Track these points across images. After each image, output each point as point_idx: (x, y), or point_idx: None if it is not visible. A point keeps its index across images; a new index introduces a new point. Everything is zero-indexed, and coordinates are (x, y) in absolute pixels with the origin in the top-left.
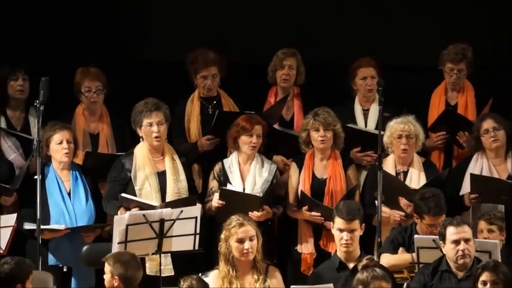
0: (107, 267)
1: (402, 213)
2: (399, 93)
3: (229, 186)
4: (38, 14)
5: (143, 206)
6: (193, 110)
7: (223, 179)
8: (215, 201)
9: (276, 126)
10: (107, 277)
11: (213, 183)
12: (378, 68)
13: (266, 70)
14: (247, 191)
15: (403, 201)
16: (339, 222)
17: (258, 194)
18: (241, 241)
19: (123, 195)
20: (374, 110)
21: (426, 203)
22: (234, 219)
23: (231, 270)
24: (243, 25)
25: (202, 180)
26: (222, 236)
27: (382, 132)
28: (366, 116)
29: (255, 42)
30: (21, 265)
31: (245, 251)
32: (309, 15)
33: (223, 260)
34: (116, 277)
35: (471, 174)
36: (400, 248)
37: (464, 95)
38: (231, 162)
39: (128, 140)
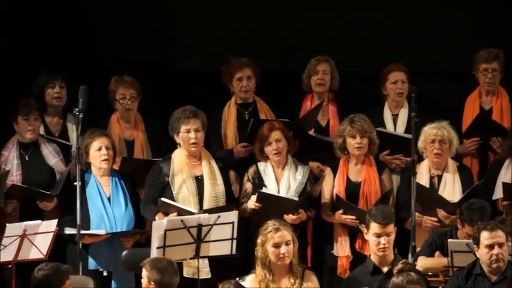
0: (144, 272)
1: (434, 219)
2: (429, 100)
3: (265, 190)
4: (75, 23)
5: (182, 212)
6: (229, 116)
7: (258, 181)
8: (251, 203)
9: (311, 132)
10: (144, 282)
11: (248, 186)
12: (408, 74)
13: (300, 78)
14: (282, 194)
15: (441, 213)
16: (375, 227)
17: (295, 198)
18: (277, 246)
19: (163, 199)
20: (403, 115)
21: (470, 214)
22: (270, 224)
23: (267, 274)
24: (276, 34)
25: (239, 186)
26: (259, 240)
27: (409, 136)
28: (395, 121)
29: (289, 51)
30: (56, 271)
31: (281, 256)
32: (340, 23)
33: (259, 264)
34: (152, 283)
35: (503, 183)
36: (437, 252)
37: (499, 100)
38: (266, 166)
39: (163, 146)
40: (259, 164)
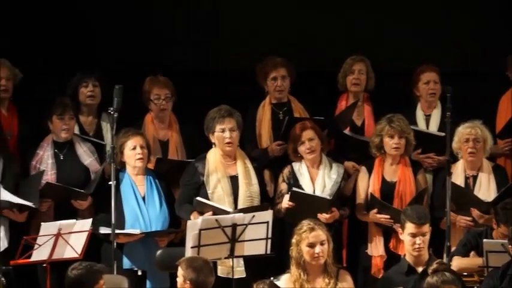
0: (180, 271)
1: (468, 218)
2: (462, 101)
3: (298, 188)
4: (110, 23)
5: (217, 211)
6: (264, 116)
7: (293, 181)
8: (285, 202)
9: (347, 132)
10: (179, 280)
11: (283, 186)
12: (441, 75)
13: (335, 78)
14: (317, 193)
15: (475, 213)
16: (410, 227)
17: (328, 197)
18: (312, 245)
19: (199, 199)
20: (436, 115)
21: (505, 213)
22: (305, 223)
23: (302, 274)
24: (311, 34)
25: (274, 185)
26: (293, 240)
27: (442, 134)
28: (428, 122)
29: (324, 51)
30: (89, 271)
31: (316, 255)
32: (375, 24)
33: (294, 263)
34: (188, 282)
35: None
36: (472, 252)
37: None
38: (300, 165)
39: (197, 147)
40: (293, 164)
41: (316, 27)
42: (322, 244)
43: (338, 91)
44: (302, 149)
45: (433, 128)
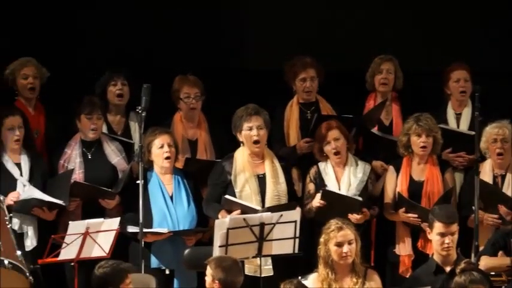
0: (209, 270)
1: (495, 216)
2: (493, 100)
3: (330, 188)
4: (139, 22)
5: (246, 209)
6: (292, 115)
7: (319, 181)
8: (316, 201)
9: (375, 131)
10: (208, 279)
11: (310, 186)
12: (471, 73)
13: (363, 77)
14: (342, 192)
15: (502, 209)
16: (439, 227)
17: (359, 198)
18: (340, 245)
19: (227, 197)
20: (466, 114)
21: None
22: (333, 223)
23: (330, 273)
24: (338, 33)
25: (302, 184)
26: (321, 239)
27: (472, 132)
28: (459, 120)
29: (352, 50)
30: (115, 269)
31: (344, 255)
32: (403, 23)
33: (322, 263)
34: (217, 281)
35: None
36: (500, 251)
37: None
38: (326, 165)
39: (226, 146)
40: (319, 164)
41: (344, 26)
42: (350, 243)
43: (366, 91)
44: (328, 148)
45: (464, 126)
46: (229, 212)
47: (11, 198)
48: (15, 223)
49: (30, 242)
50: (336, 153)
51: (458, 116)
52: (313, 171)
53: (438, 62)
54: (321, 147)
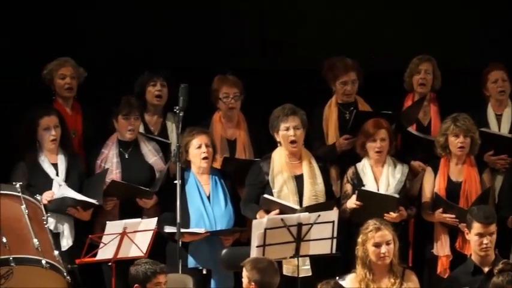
0: (245, 272)
1: None
2: None
3: (368, 188)
4: (177, 23)
5: (284, 209)
6: (331, 115)
7: (357, 181)
8: (352, 202)
9: (413, 131)
10: (244, 281)
11: (347, 187)
12: (508, 73)
13: (402, 77)
14: (381, 192)
15: None
16: (477, 227)
17: (395, 195)
18: (378, 245)
19: (266, 196)
20: (507, 114)
21: None
22: (371, 223)
23: (367, 273)
24: (377, 33)
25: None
26: (359, 239)
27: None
28: (499, 121)
29: (391, 50)
30: (146, 268)
31: (382, 255)
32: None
33: (360, 263)
34: (253, 283)
35: None
36: None
37: None
38: (364, 165)
39: (264, 146)
40: (357, 164)
41: (382, 26)
42: (388, 244)
43: (404, 91)
44: (372, 145)
45: (505, 127)
46: (268, 212)
47: (45, 197)
48: (51, 223)
49: (66, 242)
50: (378, 152)
51: (499, 117)
52: (350, 171)
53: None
54: (364, 143)
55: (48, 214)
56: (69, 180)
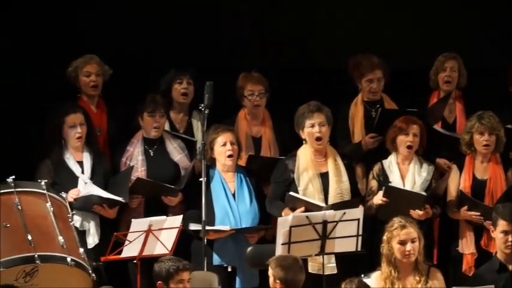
0: (270, 271)
1: None
2: None
3: (391, 183)
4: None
5: (310, 206)
6: (357, 113)
7: (383, 178)
8: (378, 198)
9: (438, 128)
10: (270, 279)
11: (373, 183)
12: None
13: (427, 75)
14: (408, 189)
15: None
16: (503, 225)
17: (422, 192)
18: (403, 243)
19: (291, 194)
20: None
21: None
22: (397, 221)
23: (393, 271)
24: (402, 31)
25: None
26: (384, 237)
27: None
28: None
29: (415, 48)
30: (169, 265)
31: (407, 253)
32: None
33: (385, 261)
34: (278, 281)
35: None
36: None
37: None
38: (390, 162)
39: (289, 143)
40: (384, 161)
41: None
42: (413, 242)
43: (430, 88)
44: (403, 139)
45: None
46: (293, 209)
47: (71, 195)
48: (77, 220)
49: (92, 240)
50: (409, 147)
51: None
52: (376, 168)
53: (501, 60)
54: (395, 137)
55: (74, 212)
56: (94, 178)
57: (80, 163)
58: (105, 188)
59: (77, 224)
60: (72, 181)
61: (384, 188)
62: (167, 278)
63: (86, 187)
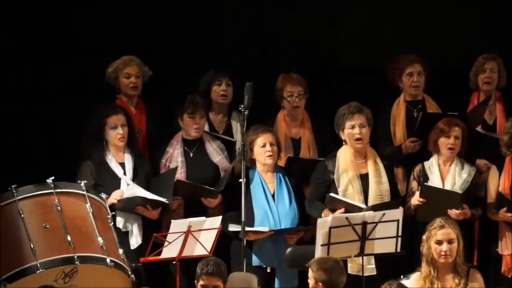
0: (311, 273)
1: None
2: None
3: (429, 183)
4: (238, 23)
5: (350, 207)
6: (399, 113)
7: (423, 179)
8: (415, 199)
9: (478, 129)
10: (311, 282)
11: (413, 184)
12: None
13: (467, 76)
14: (443, 188)
15: None
16: None
17: (458, 191)
18: (439, 243)
19: (332, 195)
20: None
21: None
22: (437, 221)
23: (432, 271)
24: (442, 32)
25: (406, 184)
26: (424, 236)
27: None
28: None
29: (456, 48)
30: (200, 266)
31: (443, 253)
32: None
33: (424, 260)
34: (320, 283)
35: None
36: None
37: None
38: (431, 163)
39: (329, 145)
40: (425, 162)
41: (448, 25)
42: (450, 242)
43: (470, 89)
44: (445, 142)
45: None
46: (333, 211)
47: (115, 196)
48: (119, 221)
49: (135, 240)
50: (451, 149)
51: None
52: (417, 169)
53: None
54: (437, 139)
55: (113, 213)
56: (136, 179)
57: (122, 164)
58: (147, 189)
59: (120, 225)
60: (114, 182)
61: (419, 187)
62: (196, 279)
63: (130, 188)
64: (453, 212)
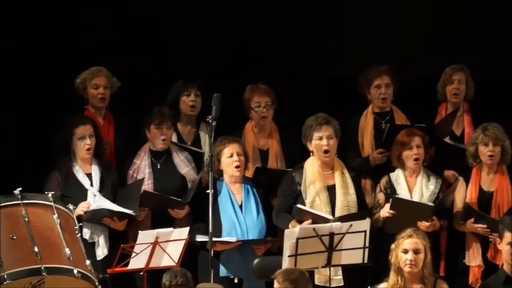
0: (276, 284)
1: None
2: None
3: (399, 195)
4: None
5: (317, 219)
6: (366, 125)
7: (390, 191)
8: (385, 211)
9: (447, 140)
10: None
11: (380, 196)
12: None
13: (435, 87)
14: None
15: None
16: (509, 237)
17: (430, 203)
18: (405, 252)
19: (299, 206)
20: None
21: None
22: (407, 231)
23: (399, 280)
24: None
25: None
26: (393, 245)
27: None
28: None
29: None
30: (167, 278)
31: (408, 262)
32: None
33: (392, 269)
34: None
35: None
36: None
37: None
38: (398, 175)
39: (297, 156)
40: (391, 174)
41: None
42: (416, 252)
43: (438, 100)
44: (408, 154)
45: None
46: (300, 222)
47: (82, 208)
48: (86, 232)
49: (102, 251)
50: (416, 159)
51: None
52: (383, 181)
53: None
54: (400, 153)
55: (81, 224)
56: (103, 191)
57: (89, 175)
58: (114, 200)
59: (86, 236)
60: (81, 193)
61: (390, 200)
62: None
63: (96, 200)
64: (423, 224)
